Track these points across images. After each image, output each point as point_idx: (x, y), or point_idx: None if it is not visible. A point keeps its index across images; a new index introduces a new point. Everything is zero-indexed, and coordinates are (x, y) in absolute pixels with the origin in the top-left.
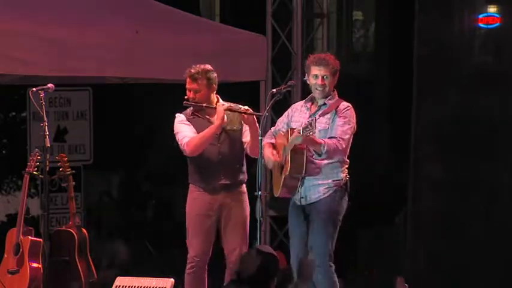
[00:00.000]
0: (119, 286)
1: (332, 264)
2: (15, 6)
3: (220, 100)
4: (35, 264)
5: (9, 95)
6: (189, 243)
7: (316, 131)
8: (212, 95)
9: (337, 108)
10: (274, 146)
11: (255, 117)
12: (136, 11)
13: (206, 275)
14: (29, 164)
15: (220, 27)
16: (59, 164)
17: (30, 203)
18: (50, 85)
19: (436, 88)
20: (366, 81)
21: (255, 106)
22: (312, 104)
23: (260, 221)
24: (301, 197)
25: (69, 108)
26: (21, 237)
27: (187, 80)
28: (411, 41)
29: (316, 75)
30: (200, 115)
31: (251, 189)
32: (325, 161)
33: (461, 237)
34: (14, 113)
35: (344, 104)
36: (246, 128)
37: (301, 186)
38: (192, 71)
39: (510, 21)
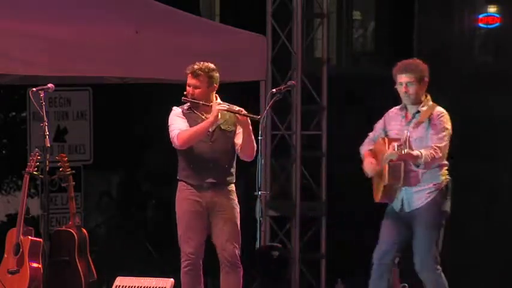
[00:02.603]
0: (119, 286)
1: (439, 267)
2: (15, 6)
3: (219, 100)
4: (35, 264)
5: (9, 95)
6: (182, 241)
7: (412, 139)
8: (212, 94)
9: (430, 115)
10: (373, 152)
11: (248, 119)
12: (136, 11)
13: (202, 273)
14: (29, 164)
15: (220, 27)
16: (59, 164)
17: (30, 203)
18: (50, 85)
19: (436, 88)
20: (366, 81)
21: (255, 106)
22: (407, 111)
23: (260, 221)
24: (402, 205)
25: (69, 108)
26: (21, 237)
27: (189, 75)
28: (411, 41)
29: (401, 83)
30: (196, 111)
31: (251, 189)
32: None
33: (461, 237)
34: (14, 113)
35: (437, 111)
36: (239, 130)
37: (402, 193)
38: (195, 66)
39: (510, 21)
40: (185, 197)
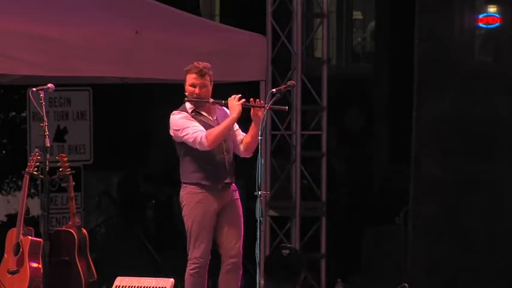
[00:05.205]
0: (119, 286)
1: None
2: (15, 6)
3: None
4: (35, 264)
5: (9, 95)
6: (193, 245)
7: None
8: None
9: None
10: None
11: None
12: (136, 11)
13: (206, 275)
14: (29, 164)
15: (220, 27)
16: (58, 164)
17: (30, 203)
18: (50, 85)
19: (436, 88)
20: (366, 81)
21: None
22: None
23: (260, 221)
24: None
25: (69, 108)
26: (21, 237)
27: (194, 75)
28: (411, 41)
29: None
30: (201, 112)
31: (251, 189)
32: None
33: (461, 237)
34: (14, 113)
35: None
36: (237, 127)
37: None
38: (200, 66)
39: (510, 21)
40: (199, 201)
